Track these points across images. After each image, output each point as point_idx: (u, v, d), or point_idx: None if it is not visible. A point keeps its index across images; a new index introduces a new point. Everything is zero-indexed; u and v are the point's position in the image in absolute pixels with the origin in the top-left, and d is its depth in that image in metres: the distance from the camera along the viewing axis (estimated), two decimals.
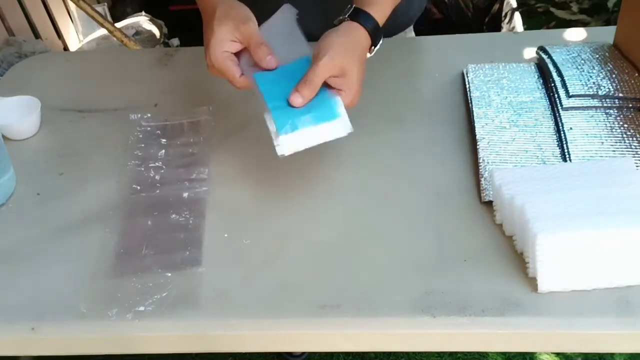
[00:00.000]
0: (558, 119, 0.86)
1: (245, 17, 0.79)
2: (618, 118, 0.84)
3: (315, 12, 1.06)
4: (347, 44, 0.76)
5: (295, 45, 0.80)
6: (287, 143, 0.72)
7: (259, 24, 0.80)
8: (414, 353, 1.62)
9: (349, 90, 0.75)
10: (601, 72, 0.90)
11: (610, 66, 0.91)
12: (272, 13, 0.85)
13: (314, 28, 0.89)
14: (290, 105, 0.73)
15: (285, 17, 0.84)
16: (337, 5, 1.01)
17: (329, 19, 0.88)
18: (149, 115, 0.96)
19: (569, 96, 0.87)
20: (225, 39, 0.77)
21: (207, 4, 0.81)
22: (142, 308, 0.69)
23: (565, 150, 0.81)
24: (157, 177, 0.86)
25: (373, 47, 0.81)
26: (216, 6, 0.79)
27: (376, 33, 0.80)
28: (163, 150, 0.90)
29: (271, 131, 0.73)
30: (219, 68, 0.78)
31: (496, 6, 2.38)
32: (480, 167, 0.82)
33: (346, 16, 0.79)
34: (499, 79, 0.95)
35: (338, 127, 0.73)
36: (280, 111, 0.73)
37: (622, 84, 0.88)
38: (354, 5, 0.80)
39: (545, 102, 0.90)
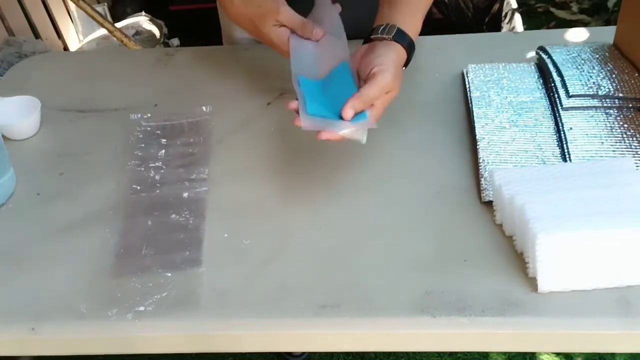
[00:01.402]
0: (558, 119, 0.86)
1: (275, 7, 0.85)
2: (618, 118, 0.84)
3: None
4: (398, 65, 0.77)
5: (336, 47, 0.83)
6: (311, 120, 0.72)
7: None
8: (414, 353, 1.62)
9: (382, 106, 0.75)
10: (601, 72, 0.90)
11: (610, 66, 0.91)
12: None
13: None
14: (340, 116, 0.72)
15: (330, 12, 0.89)
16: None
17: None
18: (149, 115, 0.96)
19: (569, 96, 0.87)
20: (278, 28, 0.85)
21: (241, 17, 0.88)
22: (142, 308, 0.69)
23: (565, 150, 0.81)
24: (157, 177, 0.86)
25: (403, 68, 0.82)
26: (249, 15, 0.86)
27: (411, 55, 0.81)
28: (163, 150, 0.90)
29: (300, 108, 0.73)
30: None
31: (496, 6, 2.38)
32: (480, 167, 0.82)
33: (391, 36, 0.79)
34: (499, 79, 0.95)
35: (360, 128, 0.72)
36: (316, 104, 0.74)
37: (622, 84, 0.88)
38: (395, 25, 0.79)
39: (545, 102, 0.90)
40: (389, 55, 0.77)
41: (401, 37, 0.79)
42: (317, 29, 0.85)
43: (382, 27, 0.80)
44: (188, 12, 2.62)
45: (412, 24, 0.81)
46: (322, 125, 0.71)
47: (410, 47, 0.80)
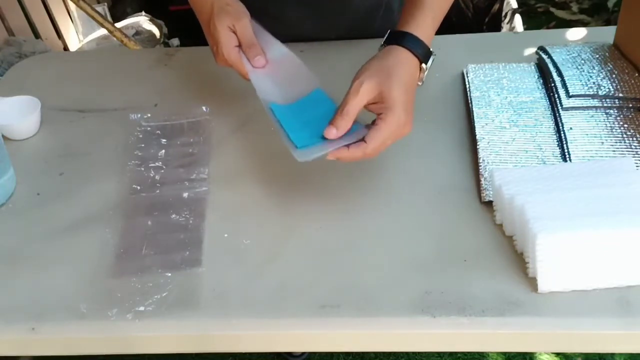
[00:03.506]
0: (558, 119, 0.86)
1: (240, 14, 0.82)
2: (618, 118, 0.84)
3: (310, 14, 1.06)
4: (385, 67, 0.71)
5: (297, 72, 0.82)
6: (304, 154, 0.72)
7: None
8: (414, 353, 1.62)
9: (393, 116, 0.70)
10: (601, 72, 0.90)
11: (610, 66, 0.91)
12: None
13: (310, 30, 0.90)
14: (323, 137, 0.71)
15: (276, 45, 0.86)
16: (332, 7, 1.00)
17: (324, 21, 0.87)
18: (149, 115, 0.96)
19: (569, 96, 0.87)
20: (230, 33, 0.81)
21: (202, 4, 0.84)
22: (142, 308, 0.69)
23: (565, 150, 0.82)
24: (157, 177, 0.86)
25: (424, 66, 0.75)
26: (212, 4, 0.82)
27: (421, 50, 0.73)
28: (163, 150, 0.90)
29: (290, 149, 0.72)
30: (232, 63, 0.81)
31: (496, 6, 2.38)
32: (480, 167, 0.82)
33: (382, 42, 0.75)
34: (499, 79, 0.95)
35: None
36: (299, 134, 0.73)
37: (622, 84, 0.88)
38: (389, 30, 0.76)
39: (545, 102, 0.90)
40: (368, 62, 0.73)
41: (394, 38, 0.74)
42: (260, 57, 0.81)
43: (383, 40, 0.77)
44: (188, 12, 2.60)
45: (414, 23, 0.75)
46: (320, 150, 0.71)
47: (409, 42, 0.73)
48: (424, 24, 0.75)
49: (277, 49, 0.84)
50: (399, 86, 0.70)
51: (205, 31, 0.86)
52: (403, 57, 0.73)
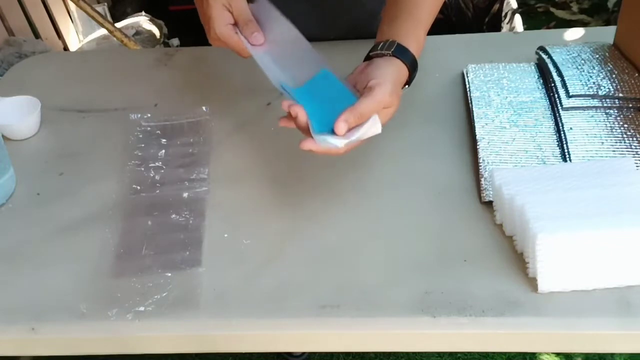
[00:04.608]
0: (558, 119, 0.86)
1: None
2: (618, 118, 0.84)
3: (310, 13, 1.06)
4: (397, 80, 0.74)
5: (308, 57, 0.79)
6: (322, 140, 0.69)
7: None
8: (414, 353, 1.62)
9: (382, 122, 0.72)
10: (601, 72, 0.90)
11: (610, 66, 0.91)
12: None
13: (310, 30, 0.89)
14: (332, 128, 0.68)
15: (282, 23, 0.82)
16: (333, 7, 1.00)
17: (325, 21, 0.86)
18: (149, 115, 0.96)
19: (569, 96, 0.87)
20: (224, 11, 0.78)
21: None
22: (142, 308, 0.69)
23: (565, 150, 0.82)
24: (157, 177, 0.86)
25: (407, 86, 0.79)
26: None
27: (414, 72, 0.78)
28: (163, 150, 0.90)
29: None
30: (225, 41, 0.79)
31: (496, 6, 2.38)
32: (480, 167, 0.82)
33: (390, 51, 0.75)
34: (499, 79, 0.95)
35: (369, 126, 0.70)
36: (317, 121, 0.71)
37: (622, 84, 0.88)
38: (395, 41, 0.76)
39: (545, 102, 0.90)
40: (388, 68, 0.73)
41: (402, 53, 0.75)
42: (258, 34, 0.79)
43: (381, 44, 0.76)
44: (188, 12, 2.61)
45: (413, 39, 0.77)
46: (332, 140, 0.68)
47: (412, 64, 0.76)
48: (421, 44, 0.79)
49: (285, 30, 0.81)
50: (399, 102, 0.74)
51: (199, 12, 0.82)
52: (404, 76, 0.76)
